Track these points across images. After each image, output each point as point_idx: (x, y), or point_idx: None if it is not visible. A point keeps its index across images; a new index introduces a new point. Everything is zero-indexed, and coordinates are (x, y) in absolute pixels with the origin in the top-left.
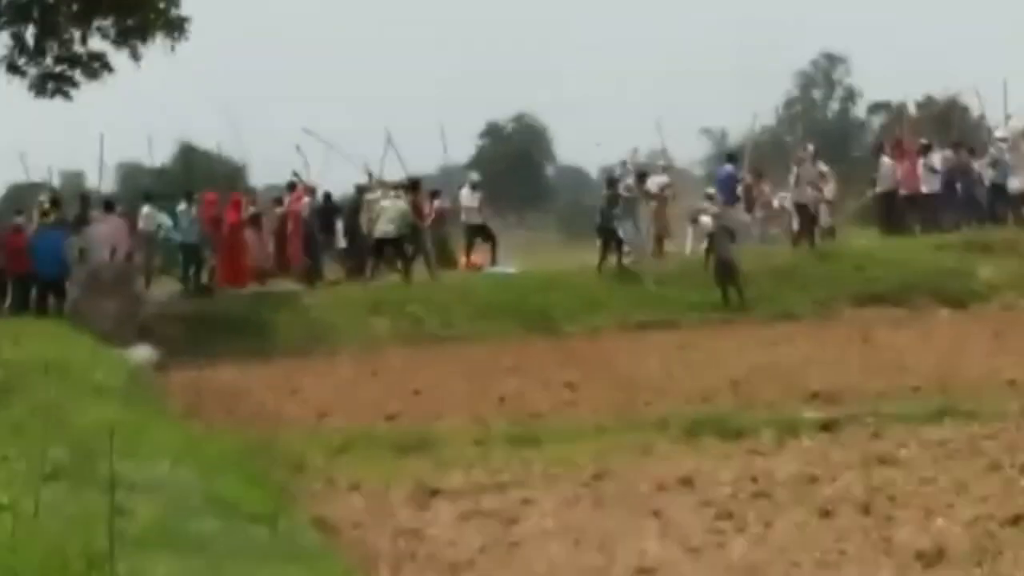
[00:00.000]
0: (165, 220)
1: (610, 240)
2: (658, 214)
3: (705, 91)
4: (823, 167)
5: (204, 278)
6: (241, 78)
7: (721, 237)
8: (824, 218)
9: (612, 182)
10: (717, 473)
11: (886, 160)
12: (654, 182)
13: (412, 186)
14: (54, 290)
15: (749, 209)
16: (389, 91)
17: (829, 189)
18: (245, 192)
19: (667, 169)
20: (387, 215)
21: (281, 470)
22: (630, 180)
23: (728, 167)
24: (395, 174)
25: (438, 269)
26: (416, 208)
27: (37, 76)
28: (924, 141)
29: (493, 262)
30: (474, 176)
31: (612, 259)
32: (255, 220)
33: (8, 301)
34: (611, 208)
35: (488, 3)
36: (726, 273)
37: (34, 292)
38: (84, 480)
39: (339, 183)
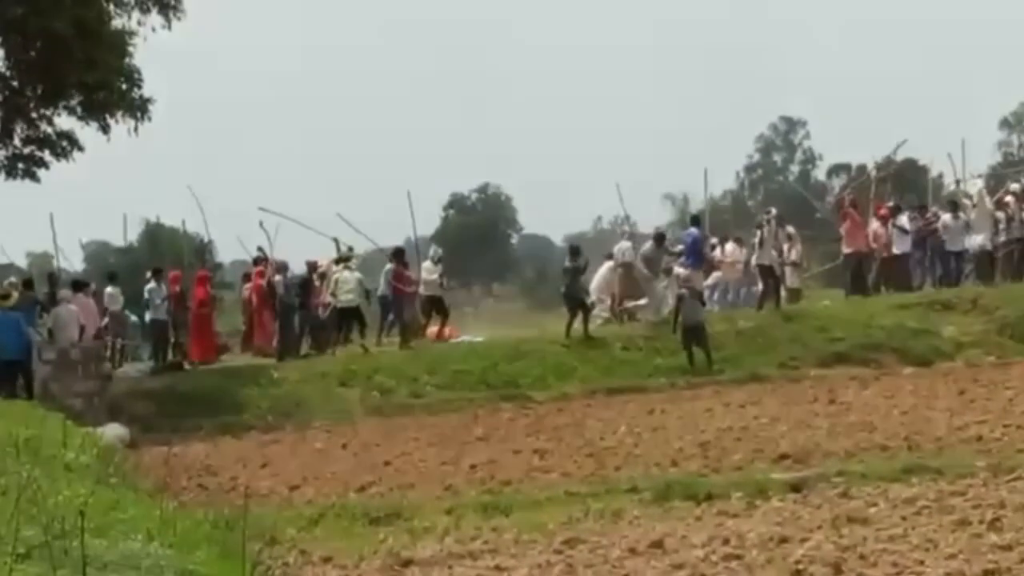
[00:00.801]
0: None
1: (576, 307)
2: (624, 279)
3: (666, 157)
4: (790, 229)
5: (171, 354)
6: (203, 159)
7: (690, 301)
8: (791, 279)
9: (575, 250)
10: (688, 536)
11: (903, 219)
12: (619, 248)
13: (396, 255)
14: (19, 371)
15: (709, 271)
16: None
17: (796, 251)
18: (210, 268)
19: (631, 235)
20: (346, 286)
21: (254, 544)
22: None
23: (693, 230)
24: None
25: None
26: (400, 277)
27: (6, 158)
28: (891, 203)
29: (439, 336)
30: (438, 250)
31: (578, 325)
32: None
33: None
34: (574, 276)
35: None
36: (694, 336)
37: None
38: (57, 560)
39: (295, 258)
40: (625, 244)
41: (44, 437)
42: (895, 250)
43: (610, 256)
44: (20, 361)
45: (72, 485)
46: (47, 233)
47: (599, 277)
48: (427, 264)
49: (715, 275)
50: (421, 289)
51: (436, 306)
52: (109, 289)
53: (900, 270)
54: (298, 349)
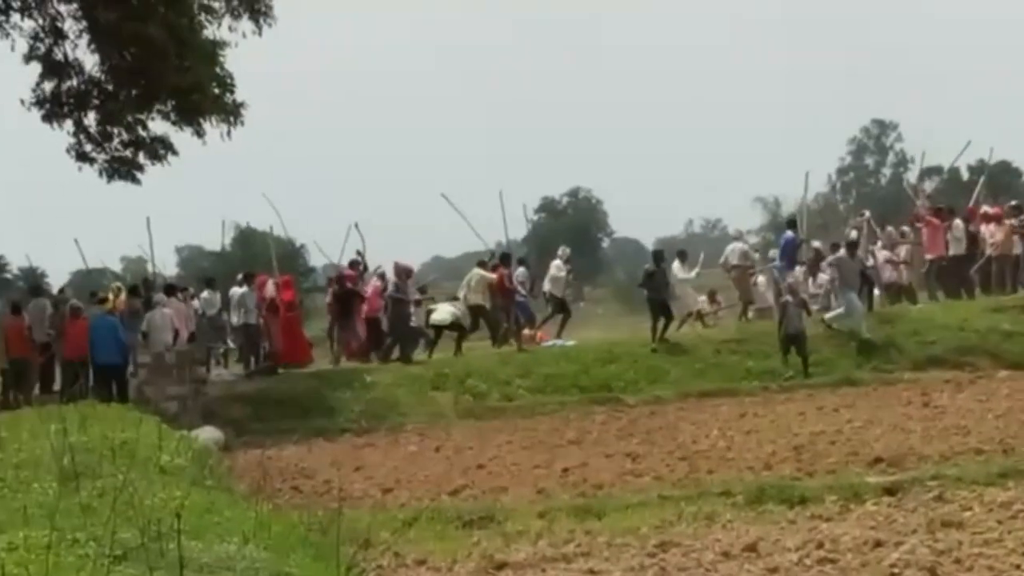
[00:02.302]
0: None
1: (659, 312)
2: (740, 282)
3: (757, 159)
4: (905, 228)
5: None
6: (292, 163)
7: (794, 308)
8: (905, 277)
9: (658, 256)
10: (782, 540)
11: (959, 224)
12: (734, 251)
13: (503, 260)
14: (114, 376)
15: (813, 274)
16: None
17: (906, 250)
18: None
19: (742, 238)
20: (441, 310)
21: (348, 546)
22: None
23: (790, 233)
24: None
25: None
26: (505, 280)
27: (106, 161)
28: (1015, 203)
29: (560, 336)
30: (566, 250)
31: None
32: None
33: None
34: (651, 280)
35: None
36: (794, 343)
37: (90, 378)
38: (153, 562)
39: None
40: (737, 246)
41: (139, 440)
42: (1016, 251)
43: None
44: (117, 365)
45: (167, 488)
46: (142, 238)
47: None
48: (556, 263)
49: (822, 278)
50: (547, 287)
51: (560, 306)
52: (206, 294)
53: (1020, 270)
54: (388, 353)
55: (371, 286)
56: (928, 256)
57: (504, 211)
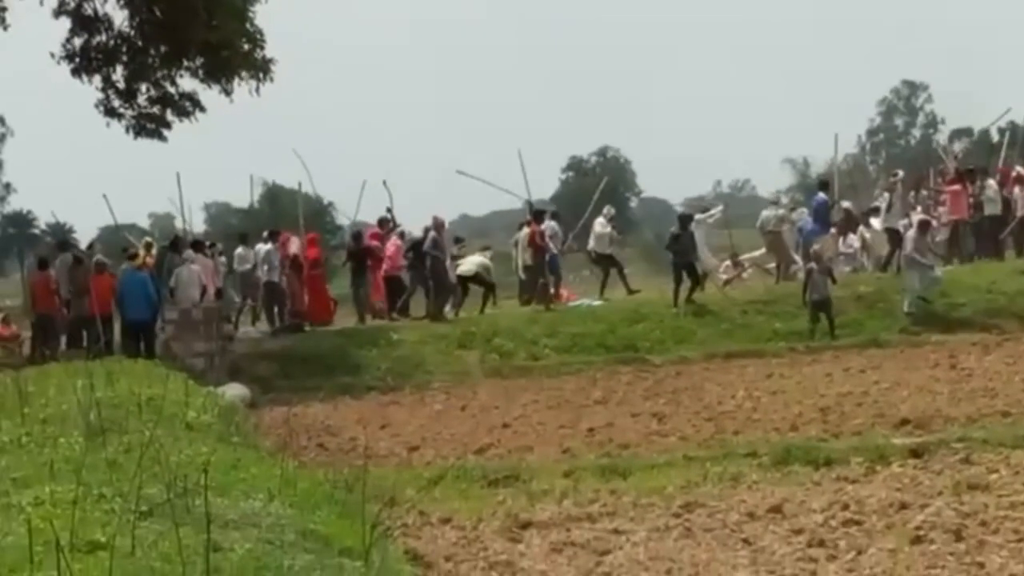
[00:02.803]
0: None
1: (683, 273)
2: (776, 245)
3: (786, 120)
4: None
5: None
6: (321, 121)
7: (819, 276)
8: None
9: (685, 219)
10: (808, 501)
11: (992, 184)
12: (769, 217)
13: (535, 216)
14: (143, 332)
15: (844, 235)
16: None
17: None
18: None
19: (777, 203)
20: (469, 260)
21: (374, 504)
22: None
23: (821, 195)
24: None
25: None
26: (537, 237)
27: (133, 117)
28: None
29: (629, 291)
30: (611, 209)
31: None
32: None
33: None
34: (679, 241)
35: (567, 34)
36: (821, 309)
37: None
38: (179, 517)
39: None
40: (769, 213)
41: (166, 396)
42: None
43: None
44: (146, 321)
45: (194, 444)
46: (170, 194)
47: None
48: (600, 220)
49: (852, 239)
50: (591, 244)
51: (608, 262)
52: (240, 250)
53: None
54: (406, 309)
55: (392, 244)
56: (952, 217)
57: (524, 170)
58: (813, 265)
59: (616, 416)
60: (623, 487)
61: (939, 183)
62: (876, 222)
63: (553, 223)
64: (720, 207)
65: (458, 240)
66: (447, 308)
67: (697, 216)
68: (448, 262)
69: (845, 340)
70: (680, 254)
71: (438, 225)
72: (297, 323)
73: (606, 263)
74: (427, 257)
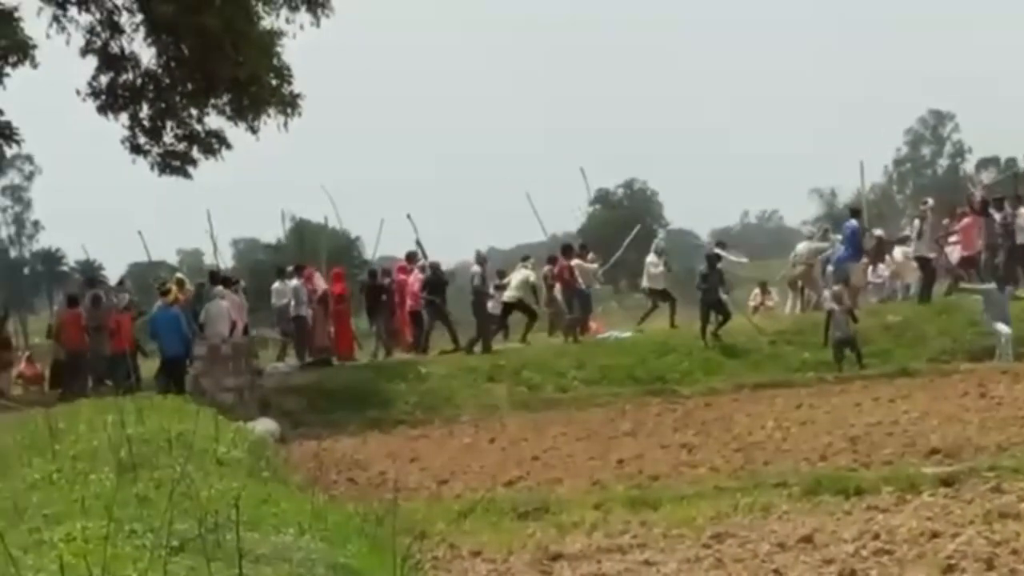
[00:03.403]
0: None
1: (711, 310)
2: (807, 277)
3: (813, 150)
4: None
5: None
6: (348, 155)
7: (840, 316)
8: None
9: (712, 260)
10: (838, 531)
11: None
12: (804, 248)
13: (564, 251)
14: (176, 367)
15: (875, 264)
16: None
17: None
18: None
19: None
20: (514, 282)
21: (404, 537)
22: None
23: (853, 222)
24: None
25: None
26: (566, 272)
27: (159, 155)
28: None
29: (672, 325)
30: (660, 242)
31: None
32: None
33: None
34: (707, 280)
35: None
36: (846, 346)
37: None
38: (211, 553)
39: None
40: (804, 247)
41: (196, 432)
42: None
43: None
44: (180, 357)
45: (224, 479)
46: (195, 231)
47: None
48: (651, 258)
49: (882, 268)
50: (644, 283)
51: (662, 297)
52: (276, 284)
53: None
54: (426, 345)
55: (415, 279)
56: (963, 253)
57: (535, 209)
58: (835, 306)
59: (646, 448)
60: (653, 518)
61: (952, 219)
62: (903, 250)
63: (652, 256)
64: (745, 260)
65: (500, 274)
66: (473, 343)
67: (720, 252)
68: (492, 293)
69: (874, 370)
70: (708, 292)
71: (481, 260)
72: (326, 358)
73: (659, 297)
74: (473, 293)
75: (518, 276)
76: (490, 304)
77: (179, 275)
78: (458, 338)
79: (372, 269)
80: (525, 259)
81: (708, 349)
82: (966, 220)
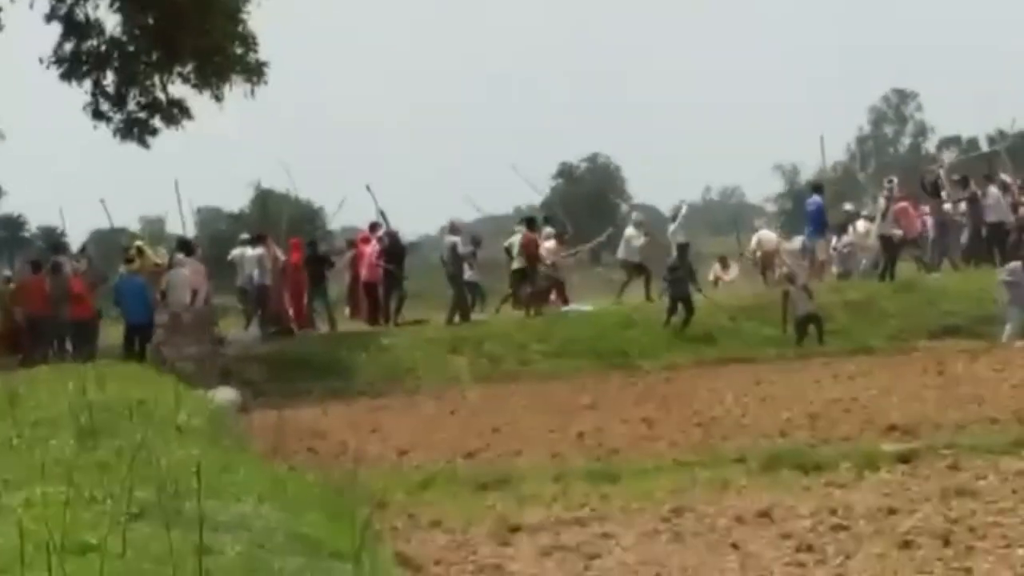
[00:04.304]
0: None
1: (677, 303)
2: (767, 262)
3: (776, 127)
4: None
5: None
6: (314, 125)
7: (796, 293)
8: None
9: (684, 249)
10: (796, 506)
11: (993, 191)
12: (763, 239)
13: (528, 223)
14: (140, 334)
15: (839, 235)
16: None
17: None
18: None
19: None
20: (517, 249)
21: (363, 508)
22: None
23: (817, 198)
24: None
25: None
26: (531, 244)
27: (121, 121)
28: None
29: (648, 298)
30: (639, 215)
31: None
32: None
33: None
34: (676, 271)
35: (554, 42)
36: (808, 323)
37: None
38: (170, 520)
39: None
40: (766, 233)
41: (157, 399)
42: None
43: None
44: (144, 325)
45: (185, 447)
46: (158, 198)
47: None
48: (630, 230)
49: (846, 239)
50: (620, 253)
51: (637, 271)
52: (236, 252)
53: None
54: (386, 316)
55: (371, 249)
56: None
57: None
58: (789, 286)
59: (606, 421)
60: (613, 492)
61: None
62: (864, 224)
63: (631, 229)
64: (686, 204)
65: (476, 241)
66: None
67: (672, 228)
68: (468, 263)
69: (834, 347)
70: (677, 284)
71: (455, 230)
72: (287, 328)
73: (635, 270)
74: (445, 263)
75: (516, 239)
76: (468, 273)
77: (139, 243)
78: (398, 310)
79: (312, 240)
80: (522, 222)
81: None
82: (901, 204)
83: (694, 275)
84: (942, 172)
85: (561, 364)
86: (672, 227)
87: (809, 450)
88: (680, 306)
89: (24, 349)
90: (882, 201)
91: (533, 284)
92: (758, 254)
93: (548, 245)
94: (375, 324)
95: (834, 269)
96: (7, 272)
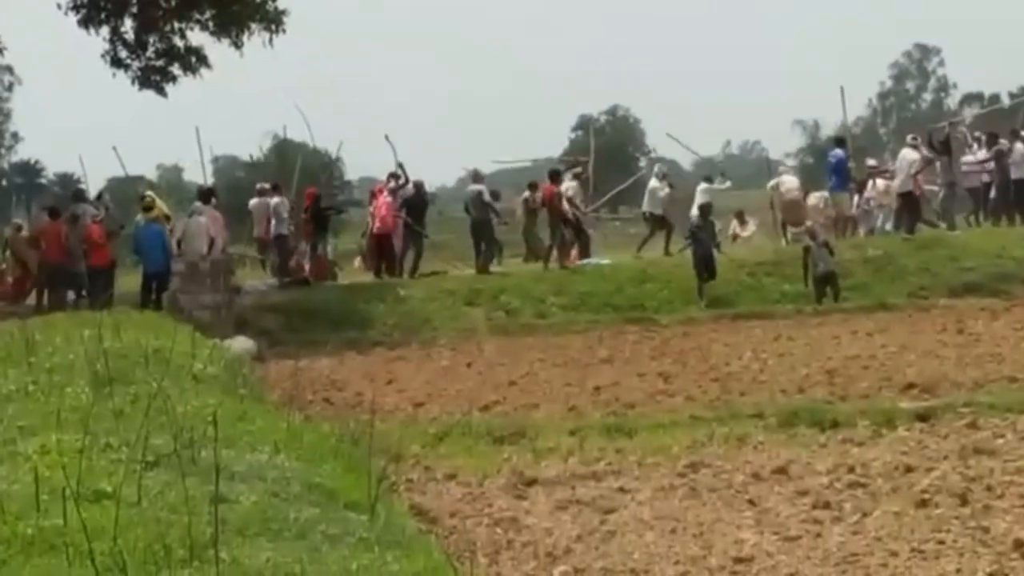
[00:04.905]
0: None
1: (703, 265)
2: (793, 209)
3: (797, 82)
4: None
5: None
6: (330, 72)
7: (817, 250)
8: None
9: (705, 210)
10: (813, 463)
11: (1020, 147)
12: (785, 183)
13: (552, 176)
14: (158, 282)
15: (860, 191)
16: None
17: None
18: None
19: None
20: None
21: (379, 458)
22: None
23: (839, 151)
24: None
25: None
26: (554, 198)
27: (139, 69)
28: None
29: (667, 252)
30: (663, 167)
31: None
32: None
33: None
34: (700, 232)
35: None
36: (826, 283)
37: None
38: (186, 468)
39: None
40: (792, 180)
41: (173, 348)
42: None
43: None
44: (161, 273)
45: (200, 396)
46: (174, 145)
47: None
48: (653, 181)
49: (868, 195)
50: (644, 205)
51: (659, 224)
52: (274, 200)
53: None
54: (400, 269)
55: (382, 202)
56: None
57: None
58: (810, 242)
59: (622, 375)
60: (628, 446)
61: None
62: (883, 181)
63: (655, 181)
64: (728, 183)
65: (494, 195)
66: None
67: (702, 186)
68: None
69: (853, 303)
70: (700, 244)
71: (478, 178)
72: (303, 277)
73: (657, 223)
74: (471, 211)
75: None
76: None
77: (149, 193)
78: (416, 264)
79: (316, 193)
80: (569, 169)
81: (688, 277)
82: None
83: (715, 235)
84: (951, 130)
85: (578, 317)
86: (703, 186)
87: (827, 407)
88: (704, 269)
89: (36, 295)
90: (908, 156)
91: (554, 237)
92: (775, 202)
93: (570, 184)
94: (379, 277)
95: (861, 230)
96: (18, 220)
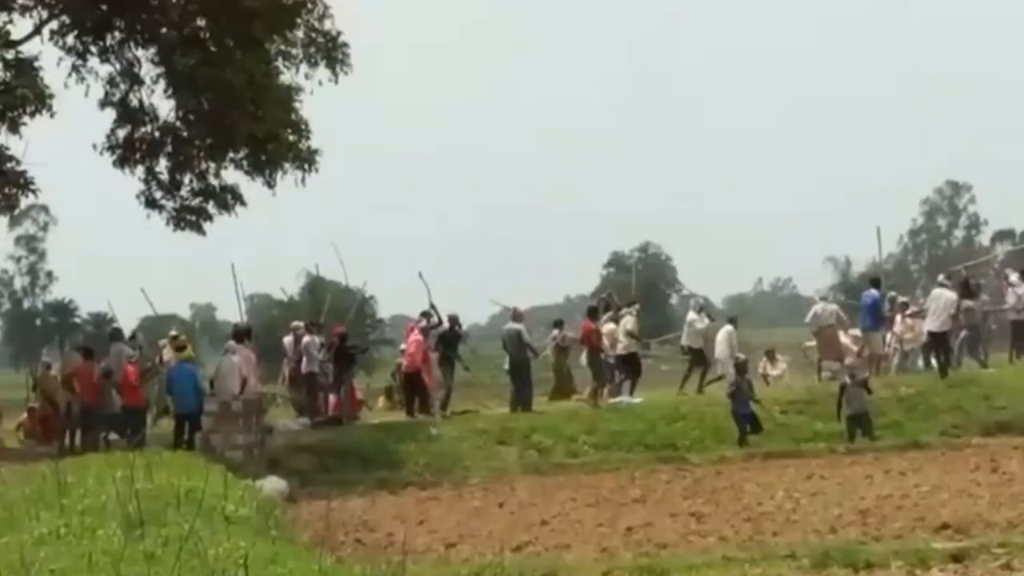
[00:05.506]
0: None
1: (744, 422)
2: (830, 342)
3: (829, 220)
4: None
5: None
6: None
7: (853, 389)
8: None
9: (742, 366)
10: None
11: None
12: (825, 310)
13: (590, 313)
14: (190, 422)
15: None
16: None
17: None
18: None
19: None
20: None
21: None
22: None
23: (873, 292)
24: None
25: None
26: (592, 335)
27: (174, 209)
28: None
29: (700, 390)
30: (699, 300)
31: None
32: None
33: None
34: (737, 392)
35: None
36: (859, 424)
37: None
38: None
39: None
40: (828, 306)
41: (205, 489)
42: None
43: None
44: (194, 413)
45: (232, 537)
46: (207, 284)
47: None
48: (691, 315)
49: (898, 330)
50: (683, 340)
51: (698, 360)
52: (306, 339)
53: None
54: (428, 407)
55: (412, 340)
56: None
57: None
58: (847, 380)
59: (654, 515)
60: None
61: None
62: (909, 321)
63: (692, 314)
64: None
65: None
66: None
67: (727, 328)
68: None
69: (885, 442)
70: (740, 402)
71: (517, 316)
72: (336, 416)
73: (696, 358)
74: (508, 349)
75: (625, 325)
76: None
77: (173, 332)
78: (446, 400)
79: (343, 332)
80: (631, 304)
81: (720, 416)
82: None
83: (753, 391)
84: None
85: (610, 456)
86: (728, 328)
87: (860, 547)
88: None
89: (69, 435)
90: (945, 296)
91: (597, 376)
92: (809, 344)
93: (629, 319)
94: (411, 415)
95: (892, 371)
96: (47, 359)
